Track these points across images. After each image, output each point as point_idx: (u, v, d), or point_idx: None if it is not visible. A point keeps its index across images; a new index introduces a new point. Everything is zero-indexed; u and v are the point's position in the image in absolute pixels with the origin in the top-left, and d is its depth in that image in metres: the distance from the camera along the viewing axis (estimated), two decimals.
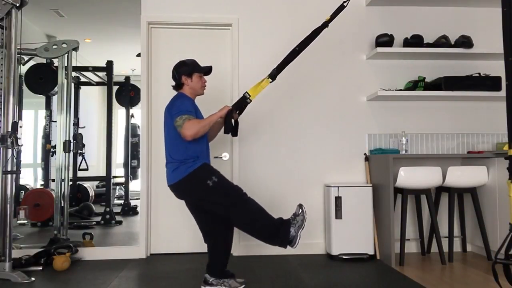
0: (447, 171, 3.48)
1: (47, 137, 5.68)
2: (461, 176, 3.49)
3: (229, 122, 2.73)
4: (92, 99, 7.52)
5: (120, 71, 6.51)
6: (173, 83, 2.75)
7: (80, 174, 6.01)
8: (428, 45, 3.79)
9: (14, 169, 3.08)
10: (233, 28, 3.84)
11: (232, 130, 2.78)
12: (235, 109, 2.76)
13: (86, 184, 6.32)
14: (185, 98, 2.64)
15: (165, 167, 2.67)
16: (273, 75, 2.86)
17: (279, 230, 2.47)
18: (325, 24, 2.99)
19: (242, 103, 2.79)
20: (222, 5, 3.86)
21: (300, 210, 2.53)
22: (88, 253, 3.61)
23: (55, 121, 4.88)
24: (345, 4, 3.03)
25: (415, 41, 3.77)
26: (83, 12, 5.15)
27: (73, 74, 5.14)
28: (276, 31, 3.88)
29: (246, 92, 2.79)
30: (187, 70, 2.68)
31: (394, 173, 3.45)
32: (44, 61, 5.05)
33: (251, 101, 2.79)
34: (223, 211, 2.52)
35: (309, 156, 3.84)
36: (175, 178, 2.55)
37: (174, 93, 2.74)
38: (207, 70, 2.76)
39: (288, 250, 3.72)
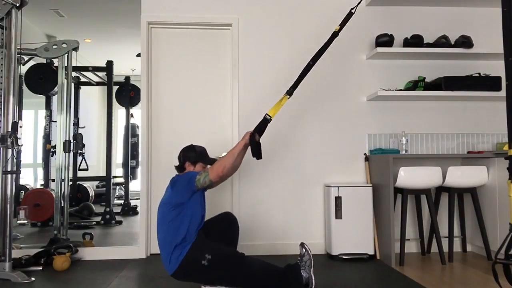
0: (447, 171, 3.48)
1: (47, 137, 5.68)
2: (461, 176, 3.49)
3: (254, 146, 2.68)
4: (92, 99, 7.53)
5: (120, 71, 6.52)
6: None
7: (80, 174, 6.03)
8: (428, 45, 3.79)
9: (14, 169, 3.08)
10: (233, 28, 3.84)
11: (257, 152, 2.72)
12: (257, 132, 2.71)
13: (86, 184, 6.33)
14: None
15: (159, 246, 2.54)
16: (290, 92, 2.88)
17: (290, 279, 2.42)
18: (335, 34, 3.00)
19: (263, 125, 2.76)
20: (222, 5, 3.86)
21: (304, 249, 2.51)
22: (88, 253, 3.61)
23: (55, 121, 4.89)
24: (353, 11, 3.03)
25: (415, 41, 3.77)
26: (83, 12, 5.15)
27: (73, 74, 5.15)
28: (276, 31, 3.88)
29: (267, 114, 2.76)
30: (192, 157, 2.67)
31: (394, 173, 3.45)
32: (44, 61, 5.05)
33: (271, 120, 2.78)
34: (228, 282, 2.43)
35: (309, 156, 3.84)
36: (171, 268, 2.44)
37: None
38: (211, 163, 2.66)
39: (288, 250, 3.72)
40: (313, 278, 2.45)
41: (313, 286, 2.45)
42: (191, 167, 2.67)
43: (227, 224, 2.73)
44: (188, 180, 2.48)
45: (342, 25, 3.00)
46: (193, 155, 2.67)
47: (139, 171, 4.92)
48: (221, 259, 2.41)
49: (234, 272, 2.40)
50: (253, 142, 2.67)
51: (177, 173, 2.70)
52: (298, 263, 2.49)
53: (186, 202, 2.48)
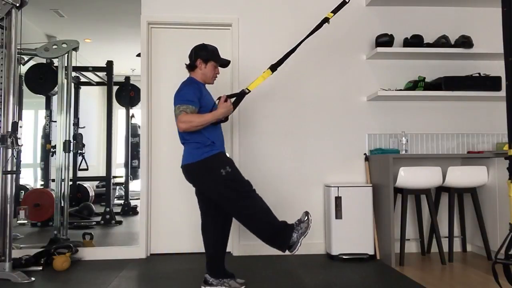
0: (447, 171, 3.48)
1: (47, 137, 5.68)
2: (461, 176, 3.49)
3: (226, 119, 2.73)
4: (92, 99, 7.53)
5: (120, 71, 6.51)
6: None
7: (80, 174, 6.02)
8: (428, 45, 3.79)
9: (14, 169, 3.08)
10: (233, 28, 3.84)
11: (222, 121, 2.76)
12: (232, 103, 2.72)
13: (86, 184, 6.33)
14: (192, 84, 2.60)
15: (178, 150, 2.65)
16: (273, 67, 2.88)
17: (281, 233, 2.47)
18: (326, 19, 3.01)
19: (239, 98, 2.79)
20: (222, 5, 3.86)
21: (306, 217, 2.51)
22: (88, 253, 3.61)
23: (55, 121, 4.89)
24: (347, 0, 3.03)
25: (415, 41, 3.77)
26: (83, 12, 5.15)
27: (73, 74, 5.15)
28: (276, 31, 3.88)
29: (246, 88, 2.79)
30: (205, 56, 2.65)
31: (394, 173, 3.45)
32: (44, 61, 5.05)
33: (249, 91, 2.80)
34: (229, 204, 2.49)
35: (309, 156, 3.84)
36: (188, 159, 2.54)
37: (175, 89, 2.69)
38: (224, 63, 2.74)
39: None
40: (299, 245, 2.47)
41: (295, 251, 2.48)
42: (203, 65, 2.65)
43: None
44: (177, 97, 2.53)
45: (335, 12, 3.03)
46: (204, 53, 2.64)
47: (140, 171, 4.92)
48: (237, 179, 2.50)
49: (240, 195, 2.47)
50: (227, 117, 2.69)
51: (189, 74, 2.70)
52: (294, 225, 2.51)
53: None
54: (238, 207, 2.49)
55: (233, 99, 2.77)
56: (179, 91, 2.57)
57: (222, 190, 2.48)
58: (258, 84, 2.84)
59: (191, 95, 2.52)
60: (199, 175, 2.53)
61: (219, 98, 2.72)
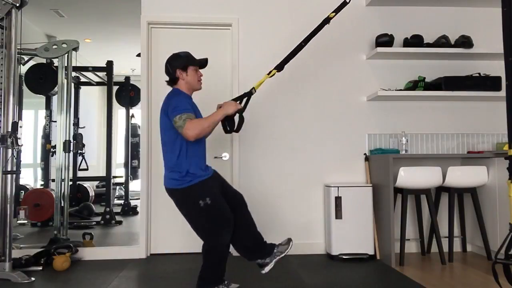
0: (447, 171, 3.48)
1: (47, 137, 5.68)
2: (461, 176, 3.49)
3: (242, 120, 2.64)
4: (92, 99, 7.53)
5: (120, 71, 6.51)
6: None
7: (80, 174, 6.02)
8: (428, 45, 3.79)
9: (14, 169, 3.08)
10: (233, 28, 3.84)
11: (237, 126, 2.68)
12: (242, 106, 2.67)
13: (86, 184, 6.33)
14: (181, 95, 2.53)
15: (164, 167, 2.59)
16: (280, 67, 2.87)
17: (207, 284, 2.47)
18: (328, 19, 3.00)
19: (248, 99, 2.73)
20: (222, 5, 3.86)
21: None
22: (88, 253, 3.60)
23: (55, 121, 4.89)
24: (347, 0, 3.02)
25: (415, 41, 3.77)
26: (83, 12, 5.15)
27: (73, 74, 5.15)
28: (276, 31, 3.88)
29: (253, 88, 2.76)
30: (181, 64, 2.54)
31: (394, 173, 3.45)
32: (44, 61, 5.05)
33: (255, 91, 2.76)
34: (199, 233, 2.47)
35: (309, 156, 3.84)
36: (169, 183, 2.48)
37: None
38: (203, 63, 2.63)
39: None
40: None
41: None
42: (183, 74, 2.54)
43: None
44: (167, 116, 2.44)
45: (336, 12, 3.02)
46: (179, 61, 2.54)
47: (140, 171, 4.92)
48: (214, 213, 2.40)
49: (211, 230, 2.41)
50: (243, 118, 2.63)
51: (171, 88, 2.61)
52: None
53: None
54: (205, 238, 2.44)
55: (241, 101, 2.74)
56: (170, 102, 2.46)
57: (197, 219, 2.44)
58: (262, 82, 2.82)
59: (184, 103, 2.44)
60: (178, 202, 2.49)
61: (221, 106, 2.68)
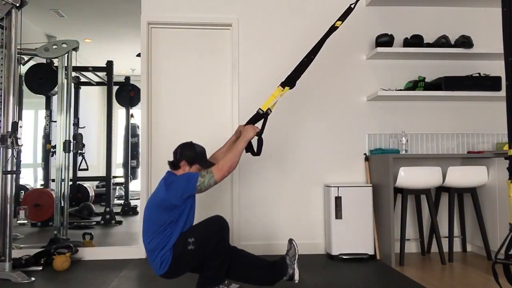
0: (447, 171, 3.48)
1: (47, 137, 5.68)
2: (461, 176, 3.49)
3: (261, 143, 2.63)
4: (92, 99, 7.54)
5: (120, 71, 6.52)
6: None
7: (80, 174, 6.03)
8: (428, 45, 3.79)
9: (14, 169, 3.08)
10: (233, 28, 3.84)
11: (258, 149, 2.67)
12: (259, 129, 2.64)
13: (86, 184, 6.33)
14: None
15: (144, 245, 2.42)
16: (292, 84, 2.79)
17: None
18: (334, 28, 2.95)
19: (265, 121, 2.71)
20: (222, 5, 3.86)
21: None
22: (88, 253, 3.61)
23: (55, 121, 4.89)
24: (352, 6, 3.01)
25: (415, 41, 3.77)
26: (83, 12, 5.15)
27: (73, 74, 5.15)
28: (276, 31, 3.88)
29: (268, 108, 2.72)
30: (191, 157, 2.44)
31: (394, 173, 3.45)
32: (44, 61, 5.05)
33: (271, 111, 2.74)
34: (208, 257, 2.40)
35: (309, 156, 3.84)
36: (160, 272, 2.36)
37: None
38: (208, 167, 2.44)
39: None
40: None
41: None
42: (187, 167, 2.44)
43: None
44: (187, 181, 2.30)
45: (342, 19, 2.96)
46: (191, 154, 2.44)
47: (139, 171, 4.93)
48: (204, 245, 2.31)
49: (211, 254, 2.33)
50: (261, 140, 2.61)
51: (170, 170, 2.51)
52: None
53: (180, 206, 2.31)
54: (213, 251, 2.36)
55: (256, 122, 2.72)
56: (175, 179, 2.34)
57: (198, 254, 2.35)
58: (273, 101, 2.75)
59: (190, 173, 2.36)
60: (180, 270, 2.41)
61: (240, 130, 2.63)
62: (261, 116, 2.73)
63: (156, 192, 2.43)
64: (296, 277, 2.49)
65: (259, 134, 2.63)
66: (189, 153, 2.45)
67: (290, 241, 2.59)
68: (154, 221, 2.34)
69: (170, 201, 2.29)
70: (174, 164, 2.48)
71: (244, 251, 2.60)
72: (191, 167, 2.45)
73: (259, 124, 2.73)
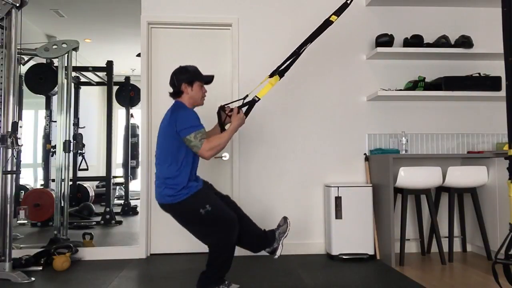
0: (447, 171, 3.48)
1: (47, 137, 5.68)
2: (461, 176, 3.49)
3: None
4: (92, 99, 7.53)
5: (120, 71, 6.51)
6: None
7: (80, 174, 6.02)
8: (428, 45, 3.79)
9: (14, 169, 3.08)
10: (233, 28, 3.84)
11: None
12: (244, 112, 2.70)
13: (86, 184, 6.33)
14: (187, 109, 2.50)
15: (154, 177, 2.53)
16: (282, 73, 2.86)
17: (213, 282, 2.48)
18: (330, 22, 2.97)
19: (251, 107, 2.80)
20: (222, 5, 3.86)
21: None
22: (88, 253, 3.61)
23: (55, 121, 4.89)
24: (348, 1, 3.01)
25: (415, 41, 3.77)
26: (83, 12, 5.15)
27: (73, 74, 5.15)
28: (276, 31, 3.88)
29: (256, 96, 2.79)
30: (188, 78, 2.52)
31: (394, 173, 3.45)
32: (44, 61, 5.05)
33: (259, 99, 2.80)
34: (204, 239, 2.49)
35: (309, 156, 3.84)
36: (165, 200, 2.44)
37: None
38: (209, 80, 2.61)
39: (289, 250, 3.72)
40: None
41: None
42: (188, 88, 2.52)
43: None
44: (174, 128, 2.39)
45: (338, 14, 2.99)
46: (187, 76, 2.52)
47: (139, 171, 4.93)
48: (217, 217, 2.40)
49: (217, 231, 2.41)
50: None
51: (175, 101, 2.58)
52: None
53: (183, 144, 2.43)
54: (215, 242, 2.44)
55: (244, 109, 2.76)
56: (178, 116, 2.42)
57: (202, 227, 2.45)
58: (267, 91, 2.84)
59: (194, 118, 2.42)
60: (177, 216, 2.48)
61: (222, 108, 2.70)
62: (254, 103, 2.80)
63: (162, 121, 2.55)
64: (278, 253, 2.56)
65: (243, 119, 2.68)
66: (184, 75, 2.53)
67: (285, 218, 2.63)
68: (165, 148, 2.46)
69: (172, 129, 2.41)
70: (176, 93, 2.56)
71: (247, 218, 2.64)
72: (192, 87, 2.54)
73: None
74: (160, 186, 2.48)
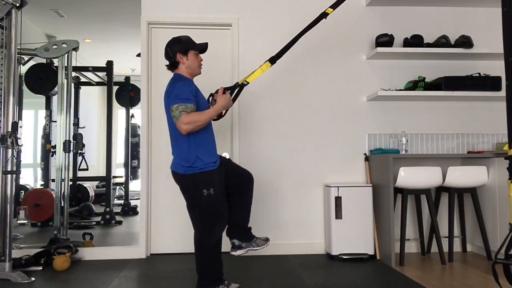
0: (447, 171, 3.48)
1: (47, 137, 5.68)
2: (461, 176, 3.49)
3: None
4: (92, 99, 7.53)
5: (120, 71, 6.51)
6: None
7: (80, 174, 6.02)
8: (428, 45, 3.79)
9: (14, 169, 3.08)
10: (233, 28, 3.84)
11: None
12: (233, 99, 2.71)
13: (86, 184, 6.32)
14: (184, 81, 2.48)
15: (168, 159, 2.58)
16: (273, 60, 2.86)
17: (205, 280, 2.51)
18: (325, 14, 2.98)
19: (239, 91, 2.81)
20: (222, 5, 3.86)
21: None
22: (88, 253, 3.61)
23: (55, 121, 4.89)
24: None
25: (415, 41, 3.77)
26: (83, 12, 5.15)
27: (73, 74, 5.14)
28: (276, 31, 3.87)
29: (245, 80, 2.79)
30: (182, 48, 2.52)
31: (394, 173, 3.45)
32: (44, 61, 5.05)
33: (248, 83, 2.79)
34: (194, 221, 2.51)
35: (309, 156, 3.84)
36: (178, 169, 2.47)
37: None
38: (203, 48, 2.61)
39: (288, 250, 3.72)
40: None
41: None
42: (184, 58, 2.52)
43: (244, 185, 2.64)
44: (172, 97, 2.38)
45: (334, 7, 2.99)
46: (180, 46, 2.52)
47: (140, 171, 4.93)
48: (213, 205, 2.42)
49: (205, 222, 2.45)
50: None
51: (173, 73, 2.57)
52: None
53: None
54: (198, 229, 2.49)
55: (232, 92, 2.75)
56: (173, 88, 2.41)
57: (195, 207, 2.46)
58: (257, 77, 2.82)
59: (186, 92, 2.39)
60: (183, 187, 2.49)
61: (211, 95, 2.69)
62: (243, 86, 2.80)
63: (164, 97, 2.54)
64: (238, 252, 2.58)
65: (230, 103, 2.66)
66: (178, 45, 2.54)
67: (267, 239, 2.64)
68: (170, 124, 2.47)
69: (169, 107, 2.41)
70: (172, 64, 2.56)
71: (249, 201, 2.65)
72: (187, 56, 2.53)
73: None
74: (176, 158, 2.51)
